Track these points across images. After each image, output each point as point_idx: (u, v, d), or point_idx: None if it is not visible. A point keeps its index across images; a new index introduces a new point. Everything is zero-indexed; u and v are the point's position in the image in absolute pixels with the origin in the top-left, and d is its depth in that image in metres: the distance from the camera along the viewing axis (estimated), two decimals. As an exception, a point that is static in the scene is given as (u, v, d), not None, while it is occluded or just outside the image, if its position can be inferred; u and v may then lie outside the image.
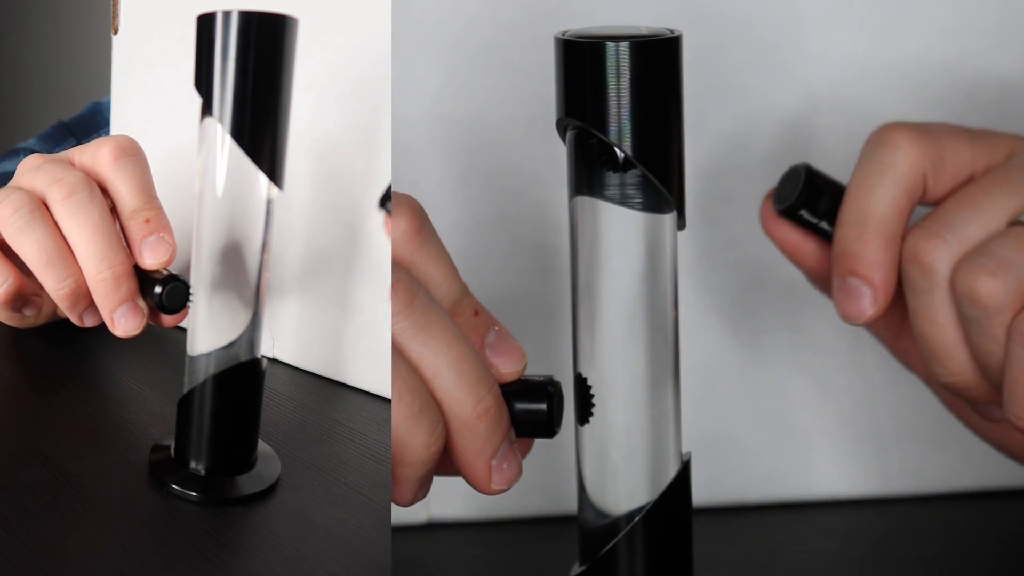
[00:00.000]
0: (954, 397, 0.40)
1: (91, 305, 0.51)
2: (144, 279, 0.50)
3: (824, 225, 0.39)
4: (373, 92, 0.54)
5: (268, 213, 0.43)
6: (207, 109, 0.41)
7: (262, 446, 0.46)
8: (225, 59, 0.40)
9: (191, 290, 0.44)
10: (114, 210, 0.51)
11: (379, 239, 0.55)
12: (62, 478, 0.44)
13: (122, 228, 0.51)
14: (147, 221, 0.50)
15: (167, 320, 0.50)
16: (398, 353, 0.33)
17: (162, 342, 0.62)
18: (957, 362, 0.37)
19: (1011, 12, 0.47)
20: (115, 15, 0.67)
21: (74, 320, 0.51)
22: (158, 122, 0.67)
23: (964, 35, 0.47)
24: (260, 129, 0.41)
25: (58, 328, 0.61)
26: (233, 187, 0.42)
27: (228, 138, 0.41)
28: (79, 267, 0.49)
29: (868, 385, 0.49)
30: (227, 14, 0.40)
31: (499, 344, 0.35)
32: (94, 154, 0.51)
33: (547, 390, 0.35)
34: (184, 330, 0.45)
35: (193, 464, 0.44)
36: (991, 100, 0.47)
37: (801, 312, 0.48)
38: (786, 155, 0.47)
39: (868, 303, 0.37)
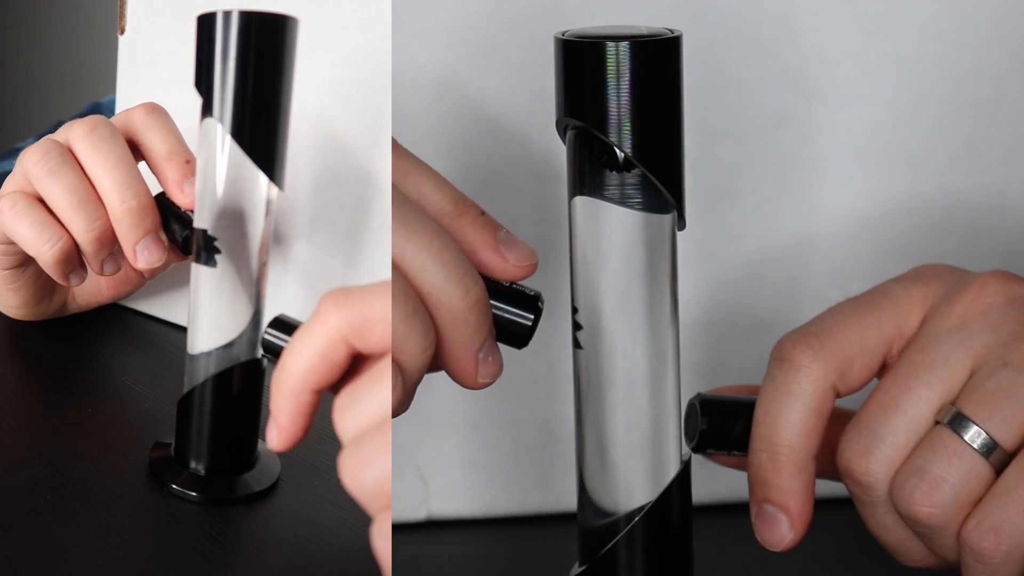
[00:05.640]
0: None
1: (112, 252, 0.51)
2: (166, 216, 0.50)
3: (736, 453, 0.38)
4: (377, 91, 0.54)
5: (268, 213, 0.43)
6: (207, 109, 0.41)
7: (262, 446, 0.46)
8: (225, 59, 0.40)
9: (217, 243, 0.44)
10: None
11: (381, 237, 0.55)
12: (62, 478, 0.44)
13: (158, 173, 0.51)
14: (187, 162, 0.51)
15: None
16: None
17: (162, 342, 0.62)
18: (915, 552, 0.37)
19: (1006, 7, 0.47)
20: (122, 15, 0.67)
21: (94, 269, 0.52)
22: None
23: (960, 30, 0.47)
24: (260, 129, 0.41)
25: (58, 328, 0.61)
26: (233, 187, 0.42)
27: (228, 138, 0.41)
28: (106, 210, 0.50)
29: (868, 384, 0.49)
30: (227, 14, 0.40)
31: (512, 240, 0.35)
32: (125, 114, 0.53)
33: (538, 304, 0.35)
34: (184, 330, 0.45)
35: (193, 464, 0.44)
36: (986, 95, 0.47)
37: (800, 308, 0.48)
38: (784, 151, 0.47)
39: (786, 530, 0.37)
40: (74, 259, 0.52)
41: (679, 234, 0.35)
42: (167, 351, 0.61)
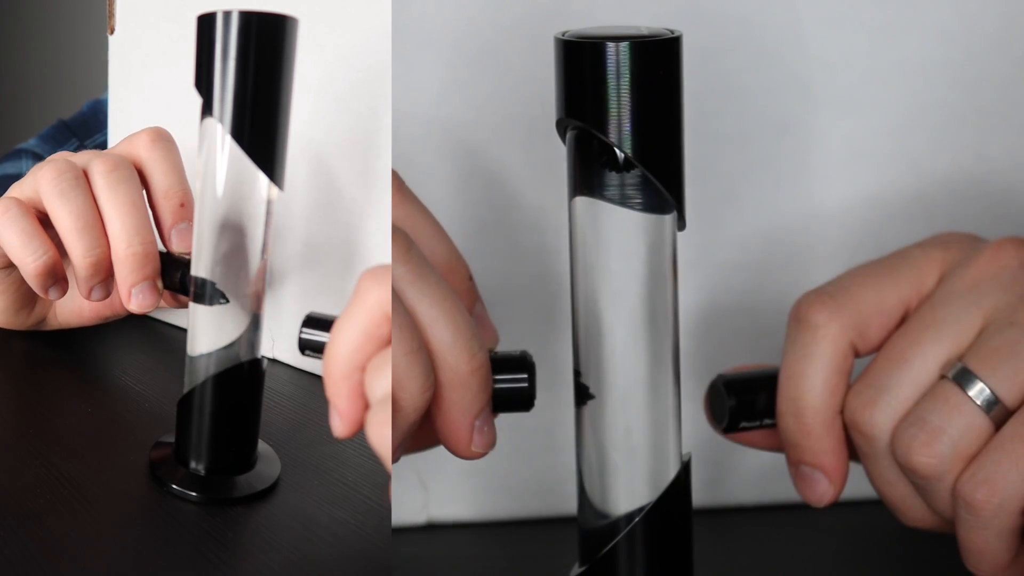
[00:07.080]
0: None
1: (104, 280, 0.52)
2: (165, 262, 0.51)
3: (767, 422, 0.38)
4: (372, 92, 0.54)
5: (268, 213, 0.43)
6: (207, 109, 0.41)
7: (262, 446, 0.46)
8: (225, 59, 0.40)
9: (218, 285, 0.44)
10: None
11: (378, 239, 0.55)
12: (62, 478, 0.44)
13: (153, 208, 0.52)
14: (181, 205, 0.52)
15: (181, 300, 0.51)
16: (396, 297, 0.33)
17: (162, 342, 0.62)
18: (916, 510, 0.37)
19: (1013, 13, 0.47)
20: (111, 15, 0.67)
21: (82, 292, 0.52)
22: (156, 121, 0.67)
23: (966, 37, 0.47)
24: (260, 129, 0.41)
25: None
26: (233, 187, 0.42)
27: (228, 138, 0.41)
28: (108, 241, 0.50)
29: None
30: (227, 14, 0.40)
31: (482, 318, 0.36)
32: (131, 140, 0.53)
33: (527, 362, 0.35)
34: (184, 330, 0.45)
35: (193, 464, 0.44)
36: (992, 102, 0.47)
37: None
38: (787, 156, 0.47)
39: (825, 486, 0.37)
40: (56, 274, 0.53)
41: (681, 239, 0.35)
42: (167, 351, 0.61)
